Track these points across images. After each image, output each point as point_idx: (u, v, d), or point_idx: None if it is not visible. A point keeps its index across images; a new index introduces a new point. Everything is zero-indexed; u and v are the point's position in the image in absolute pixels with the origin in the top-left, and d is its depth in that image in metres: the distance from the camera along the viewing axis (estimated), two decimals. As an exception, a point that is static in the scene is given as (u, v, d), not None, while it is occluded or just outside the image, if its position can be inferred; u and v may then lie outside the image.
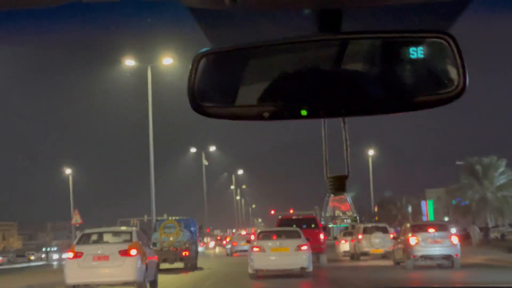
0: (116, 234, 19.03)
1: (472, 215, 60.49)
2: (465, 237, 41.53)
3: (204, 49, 1.96)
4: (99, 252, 17.62)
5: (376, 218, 64.21)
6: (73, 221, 47.51)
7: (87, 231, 19.56)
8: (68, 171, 72.51)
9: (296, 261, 22.45)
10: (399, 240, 26.74)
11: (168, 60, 38.07)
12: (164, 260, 27.49)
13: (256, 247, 22.91)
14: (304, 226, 27.12)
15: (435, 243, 24.72)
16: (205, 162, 72.35)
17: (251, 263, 22.66)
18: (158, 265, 21.28)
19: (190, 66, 1.94)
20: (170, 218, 31.63)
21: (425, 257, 25.00)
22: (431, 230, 25.36)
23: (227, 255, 49.67)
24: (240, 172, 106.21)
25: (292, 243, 22.77)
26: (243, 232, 59.29)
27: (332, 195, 2.21)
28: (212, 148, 75.05)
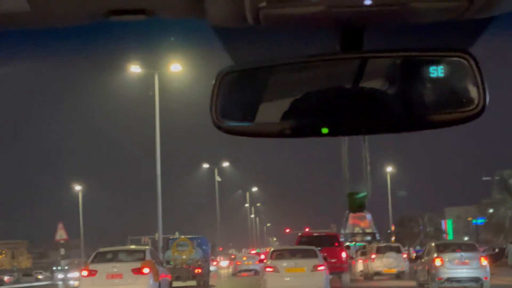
0: (129, 252, 20.03)
1: (505, 233, 57.21)
2: (496, 257, 40.47)
3: (226, 67, 2.03)
4: (113, 270, 18.44)
5: (393, 238, 63.42)
6: (57, 237, 45.82)
7: (101, 249, 20.56)
8: (78, 187, 72.83)
9: (312, 282, 21.49)
10: (423, 260, 25.08)
11: (176, 67, 34.91)
12: (177, 278, 28.31)
13: (270, 267, 22.18)
14: (326, 244, 25.93)
15: (463, 265, 23.16)
16: (218, 178, 71.59)
17: (264, 284, 21.92)
18: (171, 283, 22.13)
19: (212, 83, 2.01)
20: (182, 236, 32.66)
21: (451, 280, 23.28)
22: (458, 250, 23.81)
23: (232, 275, 49.51)
24: (254, 189, 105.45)
25: (308, 263, 21.90)
26: (253, 252, 59.01)
27: (352, 212, 2.27)
28: (226, 164, 73.76)
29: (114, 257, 19.46)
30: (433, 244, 25.44)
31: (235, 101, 2.06)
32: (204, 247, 31.58)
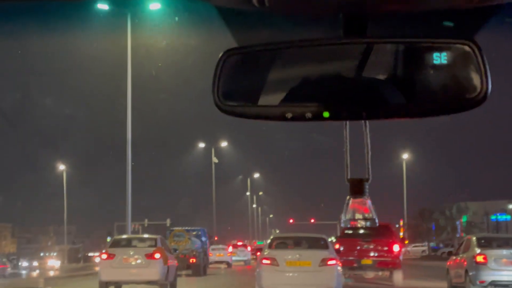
0: (143, 240, 23.97)
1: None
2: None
3: (230, 48, 2.18)
4: (129, 254, 22.26)
5: (402, 232, 62.45)
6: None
7: (117, 237, 25.42)
8: (61, 167, 71.87)
9: (320, 280, 17.93)
10: (458, 258, 21.18)
11: (155, 5, 29.83)
12: None
13: (267, 258, 18.36)
14: (376, 235, 24.40)
15: None
16: (215, 160, 68.83)
17: (259, 280, 18.24)
18: (176, 269, 25.17)
19: (215, 64, 2.16)
20: (179, 228, 35.58)
21: (496, 284, 19.41)
22: (507, 247, 19.89)
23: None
24: (256, 175, 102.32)
25: (315, 255, 18.22)
26: (239, 243, 59.06)
27: (352, 198, 2.42)
28: (224, 144, 70.00)
29: (129, 243, 23.21)
30: (474, 238, 21.22)
31: (237, 83, 2.20)
32: (203, 239, 34.97)
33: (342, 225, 2.44)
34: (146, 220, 77.70)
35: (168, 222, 74.63)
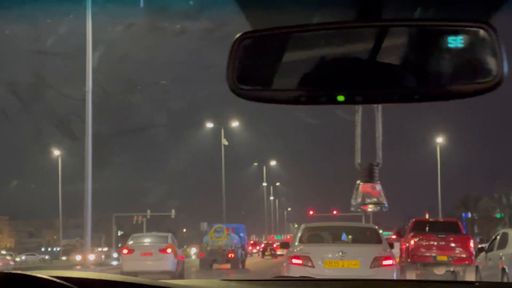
0: (156, 237, 30.76)
1: None
2: None
3: (244, 32, 2.33)
4: (145, 249, 28.96)
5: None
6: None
7: (136, 235, 32.13)
8: (56, 152, 71.60)
9: None
10: (492, 255, 19.64)
11: None
12: (214, 261, 37.36)
13: (297, 257, 14.41)
14: (450, 231, 25.34)
15: None
16: (225, 142, 67.62)
17: None
18: (183, 263, 31.39)
19: (230, 48, 2.32)
20: (219, 224, 40.81)
21: None
22: None
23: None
24: (273, 163, 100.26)
25: (365, 252, 14.53)
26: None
27: (362, 182, 2.58)
28: (235, 124, 67.74)
29: (145, 240, 30.27)
30: (508, 233, 19.36)
31: (252, 66, 2.35)
32: (241, 234, 40.50)
33: (352, 209, 2.59)
34: (148, 211, 78.10)
35: (173, 213, 75.35)
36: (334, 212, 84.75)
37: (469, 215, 73.84)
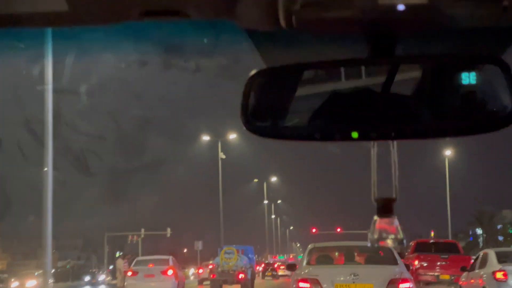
0: (158, 260, 33.92)
1: None
2: None
3: (258, 69, 2.42)
4: (148, 271, 32.05)
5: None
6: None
7: (139, 258, 36.39)
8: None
9: None
10: (474, 274, 20.41)
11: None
12: (224, 282, 39.50)
13: (305, 280, 13.44)
14: (451, 251, 28.33)
15: None
16: (222, 155, 65.91)
17: None
18: (184, 284, 34.51)
19: (244, 84, 2.40)
20: (230, 246, 42.53)
21: None
22: None
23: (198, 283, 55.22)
24: (274, 179, 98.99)
25: (380, 273, 13.43)
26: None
27: (379, 218, 2.65)
28: (232, 136, 65.52)
29: (147, 263, 33.28)
30: (492, 252, 20.67)
31: (266, 103, 2.44)
32: (249, 255, 42.81)
33: (369, 244, 2.66)
34: (142, 230, 78.01)
35: (168, 232, 75.52)
36: (338, 230, 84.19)
37: (478, 231, 73.28)
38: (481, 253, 21.79)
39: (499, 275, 18.94)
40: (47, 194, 32.09)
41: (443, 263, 27.44)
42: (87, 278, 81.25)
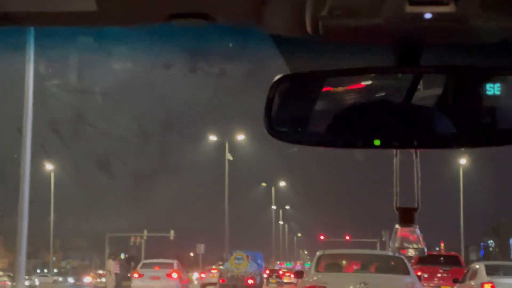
0: (163, 263, 36.49)
1: None
2: None
3: (282, 74, 2.47)
4: (154, 274, 34.83)
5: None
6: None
7: (145, 261, 39.20)
8: (49, 167, 70.20)
9: None
10: (465, 286, 22.16)
11: None
12: (234, 287, 41.07)
13: (313, 287, 13.23)
14: (453, 264, 29.69)
15: None
16: (229, 156, 65.22)
17: None
18: (188, 286, 37.50)
19: (268, 90, 2.45)
20: (239, 252, 44.30)
21: None
22: None
23: None
24: (282, 183, 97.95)
25: (391, 283, 13.30)
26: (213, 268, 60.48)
27: (401, 227, 2.69)
28: (240, 137, 65.31)
29: (153, 265, 36.03)
30: (481, 265, 22.63)
31: (289, 109, 2.48)
32: (258, 262, 44.25)
33: (390, 253, 2.71)
34: (145, 232, 78.13)
35: (171, 234, 75.78)
36: (347, 238, 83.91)
37: (489, 243, 72.51)
38: (471, 266, 23.93)
39: (487, 286, 20.71)
40: (24, 192, 29.26)
41: (445, 275, 28.66)
42: (70, 280, 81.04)
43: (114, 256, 47.76)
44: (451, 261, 31.01)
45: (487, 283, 20.66)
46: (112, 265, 44.09)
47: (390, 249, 2.62)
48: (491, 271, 21.68)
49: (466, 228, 59.75)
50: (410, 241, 2.64)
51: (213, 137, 66.64)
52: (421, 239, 2.64)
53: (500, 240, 68.55)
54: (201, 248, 73.41)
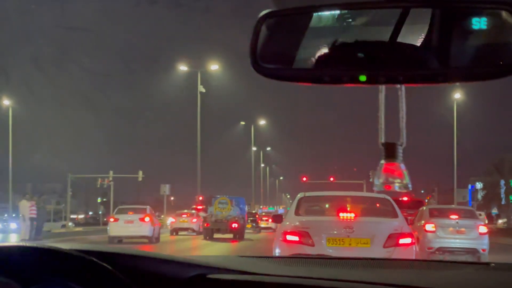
0: (137, 209, 42.08)
1: None
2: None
3: (267, 10, 2.55)
4: (128, 218, 39.73)
5: (427, 200, 60.50)
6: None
7: (120, 207, 44.08)
8: (6, 102, 68.32)
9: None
10: (413, 227, 24.50)
11: None
12: (217, 230, 44.37)
13: (293, 232, 12.58)
14: (413, 209, 30.82)
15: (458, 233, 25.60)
16: (201, 89, 64.11)
17: None
18: (159, 228, 42.62)
19: (254, 26, 2.54)
20: (223, 196, 46.58)
21: (443, 250, 25.61)
22: (454, 217, 26.24)
23: (170, 234, 55.47)
24: (262, 122, 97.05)
25: (377, 228, 12.79)
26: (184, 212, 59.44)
27: (386, 162, 2.78)
28: (214, 67, 64.79)
29: (127, 211, 41.30)
30: (426, 208, 27.72)
31: (275, 45, 2.57)
32: (241, 206, 46.78)
33: (375, 189, 2.82)
34: (111, 172, 77.51)
35: (140, 175, 75.36)
36: (331, 179, 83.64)
37: (478, 185, 71.64)
38: (420, 209, 28.41)
39: (428, 227, 25.22)
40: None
41: (409, 218, 30.48)
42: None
43: (30, 196, 42.36)
44: (417, 206, 33.10)
45: (429, 223, 25.42)
46: (27, 207, 39.36)
47: (374, 186, 2.73)
48: (435, 213, 26.49)
49: (465, 168, 58.93)
50: (394, 177, 2.74)
51: (183, 68, 65.43)
52: (406, 174, 2.74)
53: (503, 177, 65.43)
54: (165, 189, 71.30)
